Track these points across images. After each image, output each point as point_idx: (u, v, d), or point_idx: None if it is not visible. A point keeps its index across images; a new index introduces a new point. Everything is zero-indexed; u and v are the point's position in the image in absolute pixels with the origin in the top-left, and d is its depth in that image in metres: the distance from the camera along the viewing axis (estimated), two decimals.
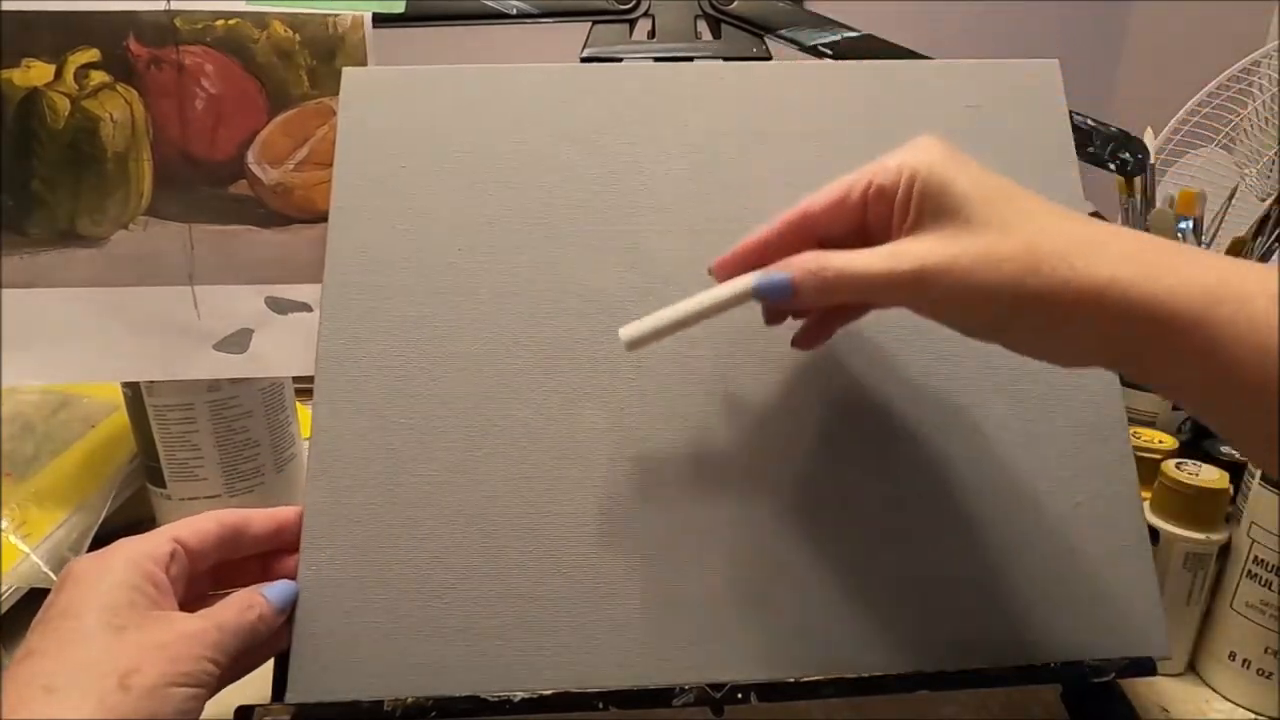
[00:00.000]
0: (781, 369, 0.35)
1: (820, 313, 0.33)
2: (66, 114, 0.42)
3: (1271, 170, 0.75)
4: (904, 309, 0.28)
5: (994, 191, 0.26)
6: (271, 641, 0.31)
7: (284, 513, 0.33)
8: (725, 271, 0.32)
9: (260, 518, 0.32)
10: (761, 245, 0.31)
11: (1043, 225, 0.25)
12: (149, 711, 0.24)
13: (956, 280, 0.26)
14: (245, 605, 0.29)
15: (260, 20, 0.43)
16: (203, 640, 0.27)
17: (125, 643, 0.25)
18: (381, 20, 0.44)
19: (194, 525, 0.30)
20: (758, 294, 0.30)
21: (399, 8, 0.44)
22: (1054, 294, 0.24)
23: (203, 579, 0.31)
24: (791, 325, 0.34)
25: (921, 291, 0.27)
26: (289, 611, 0.31)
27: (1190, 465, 0.40)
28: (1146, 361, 0.24)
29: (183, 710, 0.25)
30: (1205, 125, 0.76)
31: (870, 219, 0.29)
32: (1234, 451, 0.47)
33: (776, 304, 0.30)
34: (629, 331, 0.31)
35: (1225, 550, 0.39)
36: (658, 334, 0.31)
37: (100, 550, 0.28)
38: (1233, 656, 0.40)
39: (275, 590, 0.31)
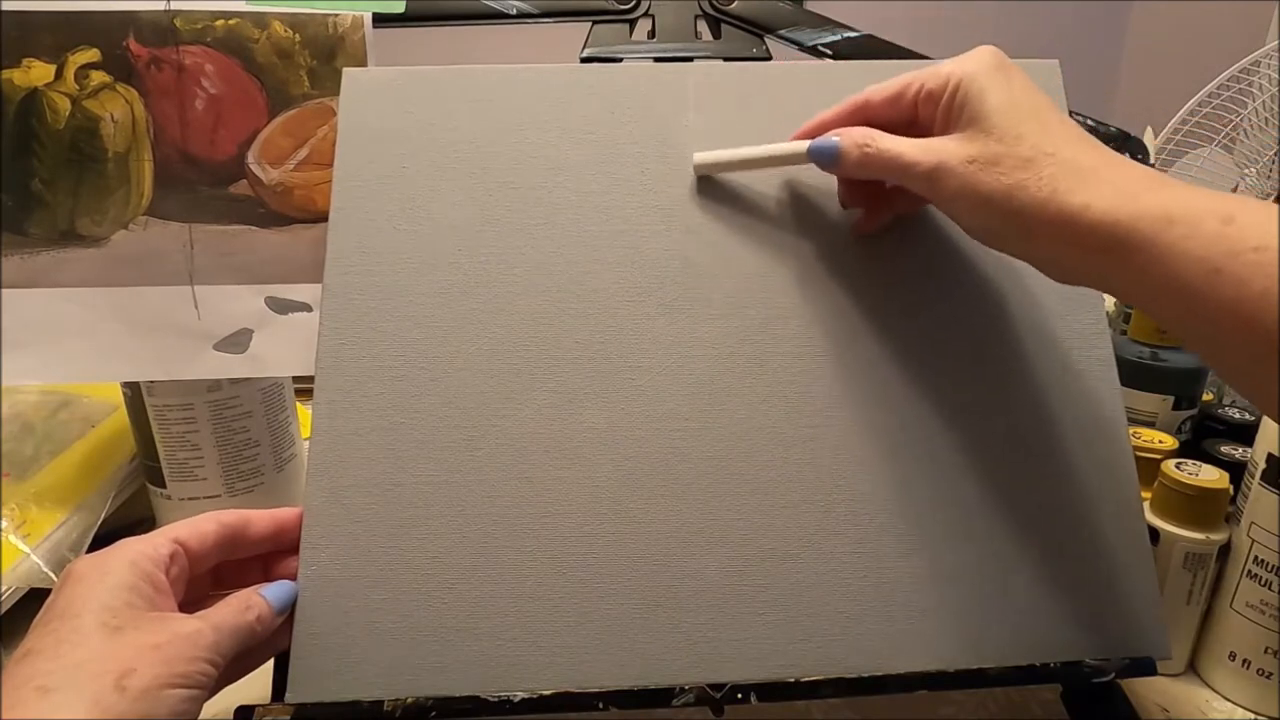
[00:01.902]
0: (779, 370, 0.35)
1: (874, 200, 0.36)
2: (66, 114, 0.42)
3: (1271, 170, 0.75)
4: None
5: (1024, 107, 0.29)
6: (271, 642, 0.31)
7: (284, 514, 0.33)
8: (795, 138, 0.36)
9: (260, 519, 0.32)
10: (822, 125, 0.35)
11: (1052, 147, 0.28)
12: (144, 712, 0.24)
13: (963, 181, 0.29)
14: (243, 606, 0.29)
15: (260, 20, 0.43)
16: (199, 641, 0.27)
17: (122, 643, 0.25)
18: (381, 20, 0.44)
19: (194, 526, 0.30)
20: (811, 153, 0.34)
21: (399, 8, 0.44)
22: (1035, 211, 0.27)
23: (203, 580, 0.31)
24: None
25: (935, 184, 0.30)
26: (288, 612, 0.31)
27: (1190, 465, 0.40)
28: (1115, 281, 0.27)
29: (179, 711, 0.25)
30: (1205, 125, 0.76)
31: (920, 116, 0.32)
32: (1234, 451, 0.47)
33: (825, 167, 0.34)
34: (700, 158, 0.37)
35: (1225, 550, 0.39)
36: (724, 166, 0.37)
37: (100, 551, 0.28)
38: (1233, 656, 0.40)
39: (274, 591, 0.31)
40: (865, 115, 0.34)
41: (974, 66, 0.30)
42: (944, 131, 0.31)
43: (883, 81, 0.33)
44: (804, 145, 0.34)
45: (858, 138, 0.32)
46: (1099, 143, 0.29)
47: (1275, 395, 0.25)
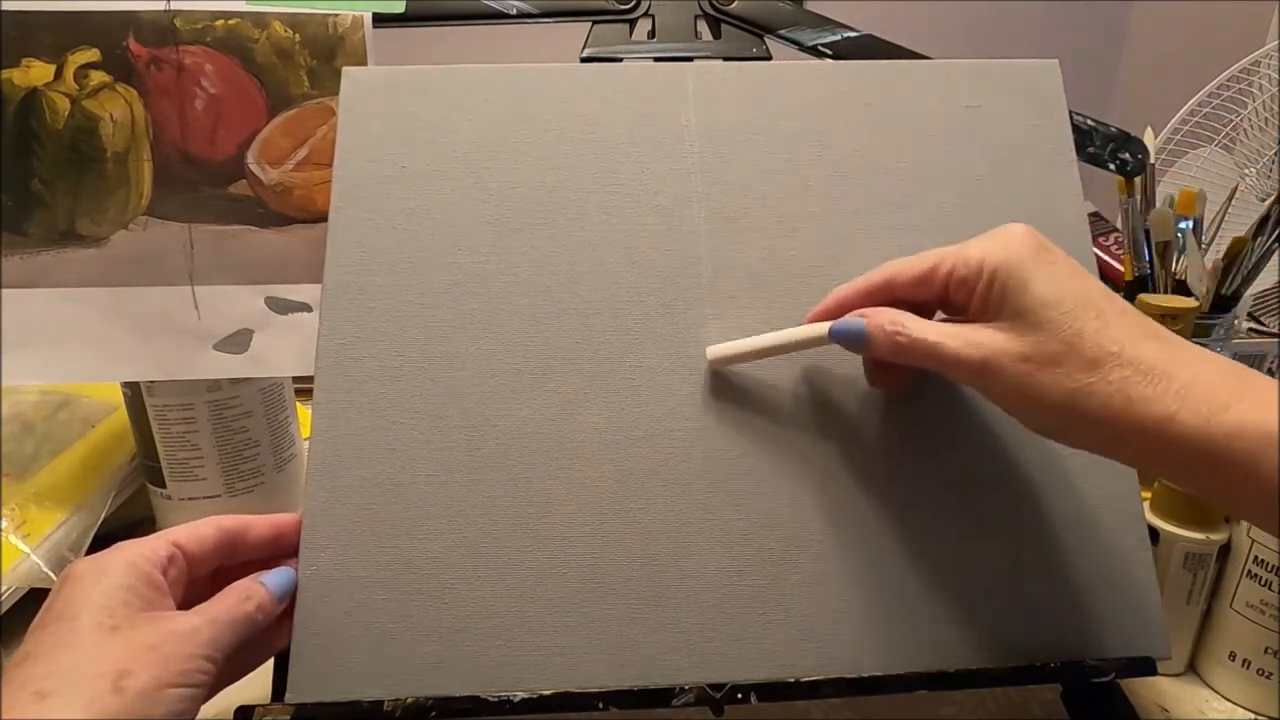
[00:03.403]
0: (782, 370, 0.35)
1: (906, 376, 0.34)
2: (66, 114, 0.42)
3: (1271, 170, 0.75)
4: None
5: (1075, 297, 0.27)
6: (272, 641, 0.31)
7: (283, 519, 0.33)
8: (813, 319, 0.33)
9: (260, 524, 0.32)
10: (840, 305, 0.32)
11: (1116, 344, 0.26)
12: (141, 713, 0.24)
13: (1019, 382, 0.27)
14: (242, 596, 0.29)
15: (260, 20, 0.43)
16: (195, 638, 0.27)
17: (118, 644, 0.25)
18: (381, 20, 0.44)
19: (193, 530, 0.30)
20: (834, 335, 0.32)
21: (399, 8, 0.44)
22: (1110, 419, 0.25)
23: (202, 585, 0.31)
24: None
25: (985, 381, 0.28)
26: (288, 599, 0.31)
27: None
28: (1205, 487, 0.25)
29: (177, 711, 0.25)
30: (1205, 125, 0.76)
31: (952, 298, 0.30)
32: None
33: (850, 349, 0.32)
34: (714, 351, 0.34)
35: (1225, 550, 0.39)
36: (739, 358, 0.34)
37: (99, 553, 0.28)
38: (1233, 656, 0.40)
39: (274, 578, 0.31)
40: (890, 294, 0.31)
41: (1011, 255, 0.28)
42: (982, 317, 0.28)
43: (909, 257, 0.31)
44: (824, 328, 0.32)
45: (886, 322, 0.30)
46: (1160, 327, 0.27)
47: None
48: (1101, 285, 0.28)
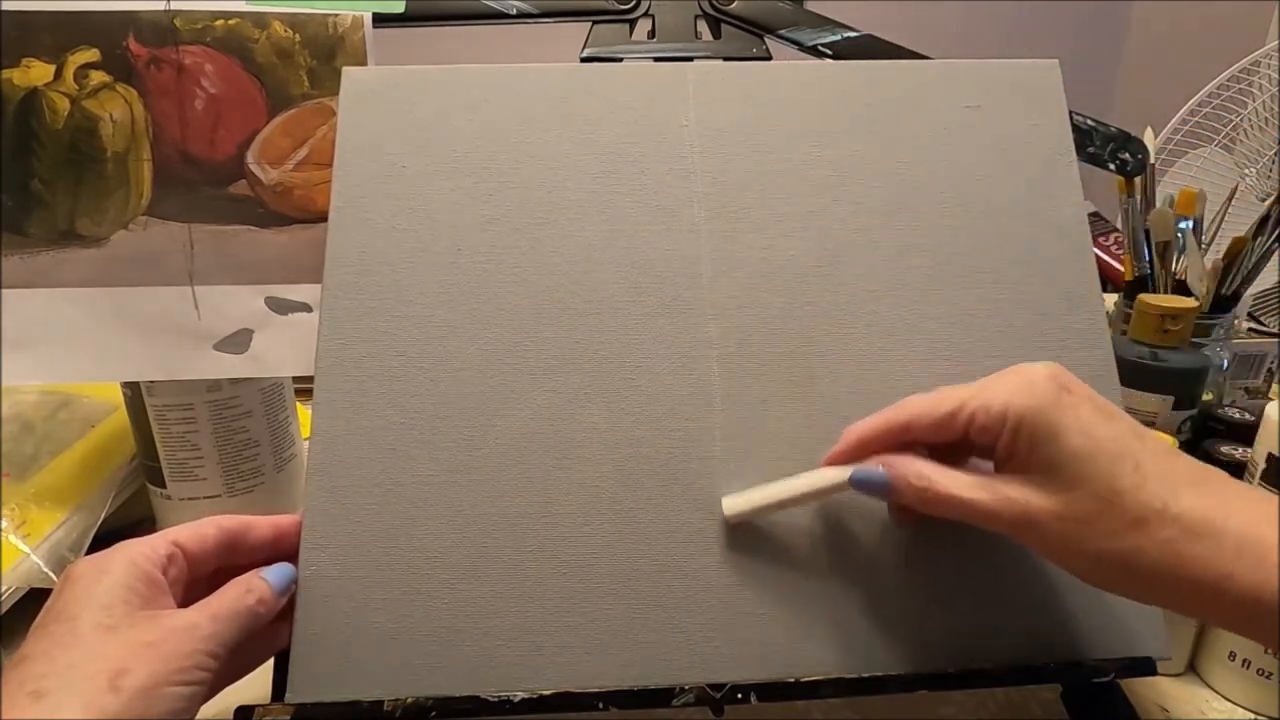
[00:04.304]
0: (783, 369, 0.35)
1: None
2: (66, 114, 0.42)
3: (1271, 170, 0.75)
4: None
5: (1108, 448, 0.26)
6: (272, 640, 0.31)
7: (284, 520, 0.33)
8: (830, 463, 0.32)
9: (260, 525, 0.32)
10: (859, 447, 0.31)
11: (1160, 500, 0.25)
12: (139, 712, 0.24)
13: (1060, 540, 0.26)
14: (243, 590, 0.29)
15: (260, 20, 0.43)
16: (195, 634, 0.26)
17: (115, 642, 0.25)
18: (381, 20, 0.44)
19: (194, 530, 0.30)
20: (855, 483, 0.31)
21: (399, 8, 0.44)
22: (1163, 578, 0.25)
23: (202, 585, 0.31)
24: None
25: (1023, 536, 0.27)
26: (289, 594, 0.31)
27: None
28: (1268, 640, 0.25)
29: (176, 710, 0.25)
30: (1205, 125, 0.76)
31: (974, 442, 0.29)
32: (1234, 451, 0.47)
33: (874, 496, 0.31)
34: (731, 506, 0.33)
35: None
36: (757, 512, 0.33)
37: (99, 553, 0.28)
38: (1233, 656, 0.40)
39: (274, 573, 0.31)
40: (909, 436, 0.30)
41: (1035, 402, 0.27)
42: (1009, 464, 0.28)
43: (928, 396, 0.29)
44: (845, 475, 0.31)
45: (910, 475, 0.29)
46: (1204, 469, 0.26)
47: None
48: (1132, 423, 0.27)
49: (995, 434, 0.28)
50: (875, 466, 0.30)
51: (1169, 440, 0.27)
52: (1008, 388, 0.28)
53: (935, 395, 0.29)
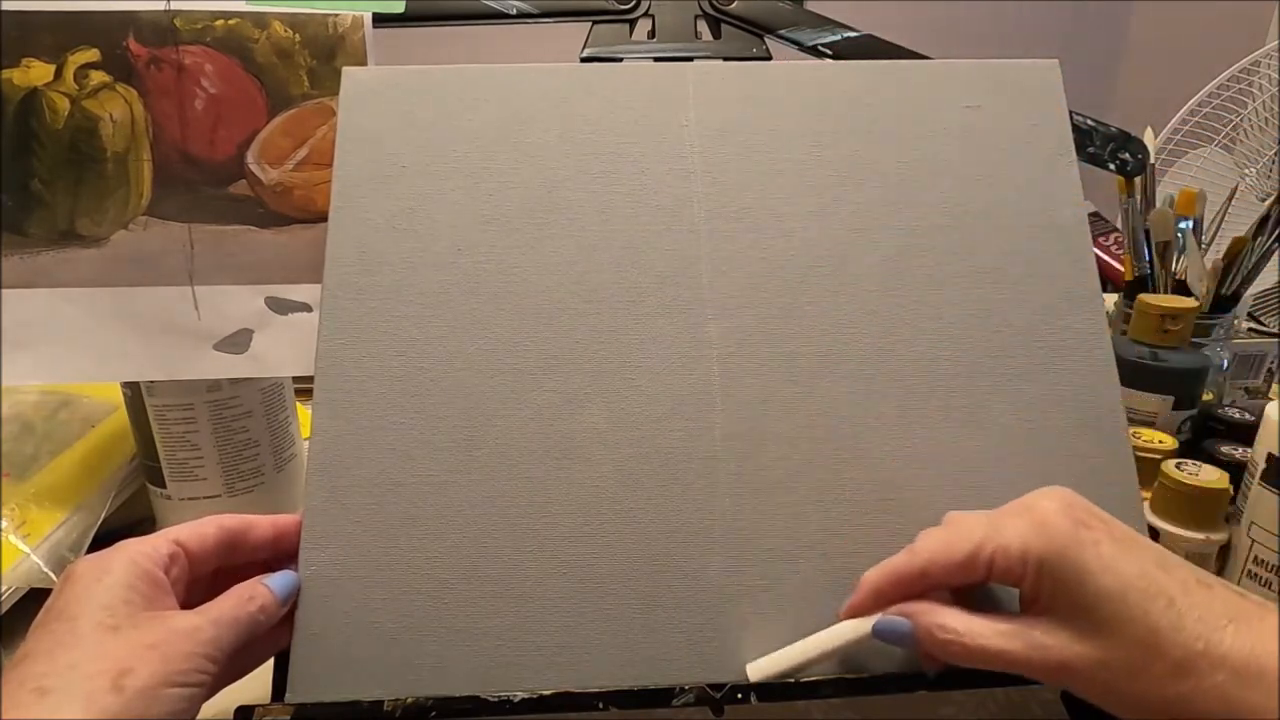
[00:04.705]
0: (779, 370, 0.35)
1: None
2: (66, 114, 0.42)
3: (1271, 170, 0.75)
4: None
5: (1137, 587, 0.25)
6: (272, 640, 0.31)
7: (285, 520, 0.33)
8: (849, 614, 0.31)
9: (261, 524, 0.32)
10: (876, 598, 0.30)
11: (1201, 642, 0.24)
12: (141, 712, 0.24)
13: (1102, 689, 0.26)
14: (245, 597, 0.29)
15: (260, 20, 0.43)
16: (196, 637, 0.26)
17: (118, 642, 0.25)
18: (381, 20, 0.44)
19: (195, 529, 0.30)
20: (878, 635, 0.30)
21: (399, 8, 0.44)
22: (1212, 716, 0.24)
23: (202, 585, 0.31)
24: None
25: (1063, 683, 0.26)
26: (292, 601, 0.31)
27: (1190, 465, 0.40)
28: None
29: (176, 711, 0.25)
30: (1205, 125, 0.76)
31: (994, 579, 0.28)
32: (1234, 451, 0.47)
33: (899, 646, 0.30)
34: (756, 670, 0.32)
35: (1225, 550, 0.39)
36: (782, 675, 0.32)
37: (100, 551, 0.28)
38: None
39: (277, 580, 0.31)
40: (927, 583, 0.29)
41: (1054, 543, 0.26)
42: (1035, 608, 0.27)
43: (943, 538, 0.29)
44: (867, 626, 0.30)
45: (934, 627, 0.28)
46: (1239, 600, 0.25)
47: None
48: (1156, 552, 0.27)
49: (1017, 577, 0.27)
50: (899, 619, 0.29)
51: (1193, 570, 0.26)
52: (1023, 529, 0.27)
53: (949, 535, 0.29)
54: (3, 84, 0.42)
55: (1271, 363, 0.65)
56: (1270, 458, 0.38)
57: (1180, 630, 0.24)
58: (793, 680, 0.31)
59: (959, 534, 0.28)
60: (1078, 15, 1.85)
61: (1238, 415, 0.52)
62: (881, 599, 0.30)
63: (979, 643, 0.27)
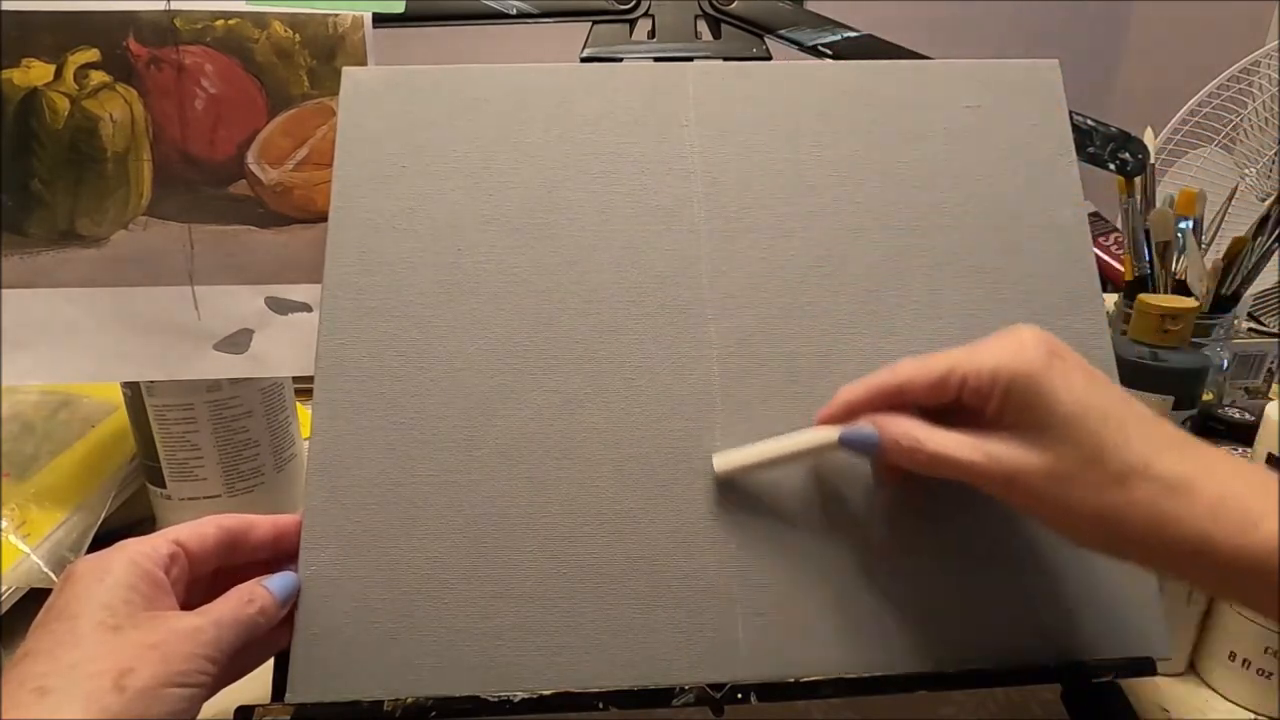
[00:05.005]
0: (779, 370, 0.35)
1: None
2: (66, 114, 0.42)
3: (1271, 170, 0.75)
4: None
5: (1096, 409, 0.27)
6: (272, 640, 0.31)
7: (285, 520, 0.33)
8: (820, 423, 0.32)
9: (262, 524, 0.32)
10: (848, 409, 0.31)
11: (1141, 460, 0.26)
12: (142, 712, 0.24)
13: (1045, 497, 0.27)
14: (245, 599, 0.29)
15: (260, 20, 0.43)
16: (197, 638, 0.27)
17: (119, 643, 0.25)
18: (381, 20, 0.44)
19: (195, 529, 0.30)
20: (844, 442, 0.31)
21: (399, 8, 0.44)
22: (1140, 536, 0.26)
23: (202, 585, 0.31)
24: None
25: (1009, 494, 0.28)
26: (291, 603, 0.31)
27: None
28: (1249, 602, 0.26)
29: (177, 711, 0.25)
30: (1205, 125, 0.76)
31: (965, 403, 0.29)
32: (1234, 451, 0.47)
33: (863, 456, 0.32)
34: (721, 463, 0.33)
35: None
36: (746, 469, 0.33)
37: (101, 551, 0.28)
38: (1233, 656, 0.40)
39: (277, 582, 0.31)
40: (900, 399, 0.30)
41: (1025, 365, 0.27)
42: (999, 425, 0.28)
43: (919, 360, 0.30)
44: (834, 434, 0.31)
45: (900, 435, 0.29)
46: (1182, 435, 0.27)
47: None
48: (1119, 391, 0.28)
49: (986, 396, 0.28)
50: (866, 426, 0.31)
51: (1156, 415, 0.28)
52: (998, 351, 0.28)
53: (926, 358, 0.30)
54: (3, 84, 0.42)
55: (1271, 363, 0.65)
56: (1270, 458, 0.38)
57: (1125, 449, 0.26)
58: (791, 682, 0.31)
59: (936, 357, 0.30)
60: (1077, 15, 1.85)
61: (1238, 415, 0.52)
62: (853, 411, 0.31)
63: (940, 449, 0.28)
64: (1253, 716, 0.39)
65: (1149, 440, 0.26)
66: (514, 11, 0.45)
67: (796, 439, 0.32)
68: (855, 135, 0.39)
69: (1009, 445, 0.28)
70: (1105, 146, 0.47)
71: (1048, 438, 0.27)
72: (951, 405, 0.30)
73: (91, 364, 0.44)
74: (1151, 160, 0.60)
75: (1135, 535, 0.26)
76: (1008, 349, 0.28)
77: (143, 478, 0.49)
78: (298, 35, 0.43)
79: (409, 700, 0.31)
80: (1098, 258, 0.63)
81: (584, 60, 0.44)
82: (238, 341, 0.45)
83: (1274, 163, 0.74)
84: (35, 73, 0.42)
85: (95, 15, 0.42)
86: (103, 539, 0.42)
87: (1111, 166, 0.48)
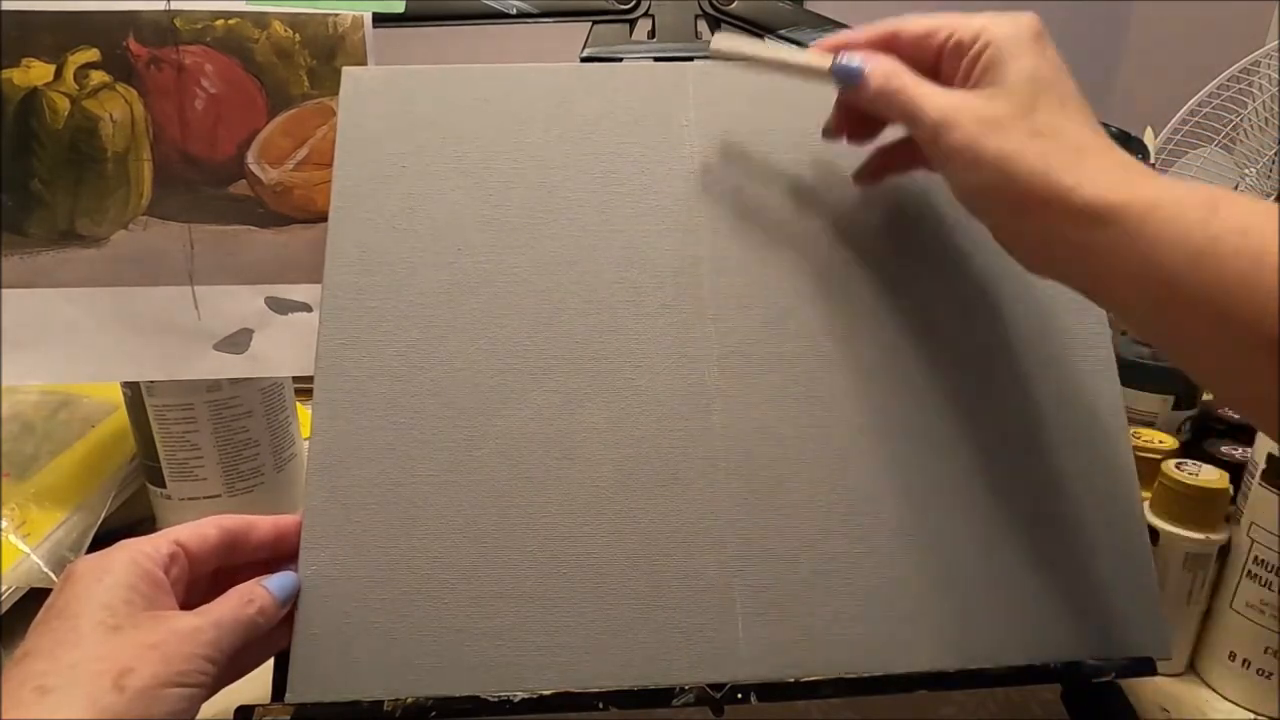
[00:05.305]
0: (779, 370, 0.35)
1: (858, 135, 0.36)
2: (66, 114, 0.42)
3: (1271, 170, 0.75)
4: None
5: (1047, 81, 0.28)
6: (272, 640, 0.31)
7: (286, 520, 0.33)
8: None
9: (262, 525, 0.32)
10: (845, 44, 0.33)
11: (1060, 126, 0.28)
12: (142, 712, 0.24)
13: (966, 138, 0.28)
14: (245, 599, 0.29)
15: (260, 20, 0.43)
16: (197, 639, 0.27)
17: (120, 642, 0.25)
18: (381, 20, 0.44)
19: (195, 529, 0.30)
20: (835, 70, 0.32)
21: (399, 8, 0.44)
22: (1025, 181, 0.27)
23: (203, 585, 0.31)
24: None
25: (940, 136, 0.29)
26: (291, 603, 0.31)
27: (1190, 465, 0.40)
28: (1092, 265, 0.27)
29: (177, 710, 0.25)
30: (1205, 125, 0.76)
31: (943, 66, 0.31)
32: (1234, 451, 0.47)
33: (842, 87, 0.33)
34: (718, 43, 0.35)
35: (1225, 550, 0.39)
36: (741, 56, 0.35)
37: (101, 551, 0.28)
38: (1233, 656, 0.40)
39: (276, 582, 0.31)
40: (891, 46, 0.32)
41: (1011, 31, 0.29)
42: (963, 85, 0.30)
43: (917, 16, 0.32)
44: (826, 62, 0.33)
45: (884, 68, 0.31)
46: (1105, 135, 0.29)
47: (1248, 391, 0.25)
48: (1076, 88, 0.29)
49: (964, 53, 0.30)
50: (857, 58, 0.32)
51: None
52: (991, 18, 0.30)
53: (924, 16, 0.32)
54: (3, 84, 0.42)
55: None
56: (1270, 458, 0.38)
57: (1053, 116, 0.28)
58: (791, 682, 0.31)
59: (933, 17, 0.31)
60: (1077, 15, 1.85)
61: (1238, 415, 0.52)
62: (847, 47, 0.33)
63: (911, 89, 0.30)
64: (1253, 716, 0.39)
65: (1078, 120, 0.28)
66: (514, 11, 0.45)
67: (794, 54, 0.34)
68: None
69: (961, 94, 0.29)
70: None
71: (996, 91, 0.29)
72: (932, 68, 0.31)
73: (91, 364, 0.44)
74: (1152, 160, 0.60)
75: (1021, 179, 0.27)
76: (1000, 18, 0.30)
77: (143, 478, 0.49)
78: (298, 35, 0.43)
79: (409, 700, 0.31)
80: None
81: (584, 60, 0.44)
82: (238, 341, 0.45)
83: (1274, 163, 0.74)
84: (35, 73, 0.42)
85: (95, 15, 0.42)
86: (103, 539, 0.42)
87: None
